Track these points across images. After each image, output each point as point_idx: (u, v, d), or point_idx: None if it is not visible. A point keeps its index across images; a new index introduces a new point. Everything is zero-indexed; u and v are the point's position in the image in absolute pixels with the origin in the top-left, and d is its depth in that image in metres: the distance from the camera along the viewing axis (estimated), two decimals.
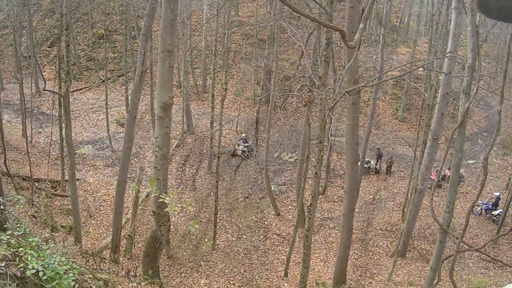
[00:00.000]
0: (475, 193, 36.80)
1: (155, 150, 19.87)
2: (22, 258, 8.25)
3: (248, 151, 43.76)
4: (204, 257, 32.21)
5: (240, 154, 43.96)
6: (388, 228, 35.52)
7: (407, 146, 44.26)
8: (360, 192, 37.14)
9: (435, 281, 19.05)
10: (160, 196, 9.97)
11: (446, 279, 24.56)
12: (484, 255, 29.64)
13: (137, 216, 32.58)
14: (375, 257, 32.38)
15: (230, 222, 36.54)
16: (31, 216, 30.76)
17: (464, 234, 16.68)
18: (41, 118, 51.23)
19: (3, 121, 38.60)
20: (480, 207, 37.19)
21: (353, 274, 29.89)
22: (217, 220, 33.31)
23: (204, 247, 33.29)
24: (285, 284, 29.10)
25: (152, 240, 21.36)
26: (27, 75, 54.76)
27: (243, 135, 44.75)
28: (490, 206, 36.82)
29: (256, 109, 46.68)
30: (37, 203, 34.81)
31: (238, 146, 44.11)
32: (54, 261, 8.55)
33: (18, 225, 10.38)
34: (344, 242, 27.07)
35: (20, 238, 9.11)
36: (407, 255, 32.04)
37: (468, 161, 45.44)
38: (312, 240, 28.07)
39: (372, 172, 42.83)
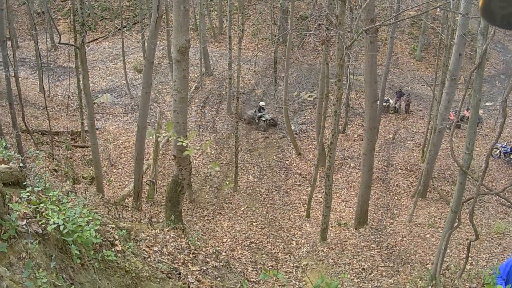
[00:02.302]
0: (493, 136, 36.56)
1: (174, 94, 19.67)
2: (43, 214, 8.13)
3: (270, 121, 41.03)
4: (226, 199, 32.34)
5: (263, 124, 40.75)
6: (408, 168, 35.33)
7: (425, 86, 43.84)
8: (379, 131, 36.91)
9: (456, 223, 18.93)
10: (177, 139, 9.87)
11: (466, 222, 24.48)
12: (503, 200, 29.37)
13: (158, 161, 32.60)
14: (396, 197, 32.26)
15: (251, 162, 36.60)
16: (52, 170, 30.87)
17: (484, 176, 16.44)
18: (58, 72, 51.62)
19: (20, 78, 38.54)
20: (499, 150, 36.61)
21: (374, 214, 29.75)
22: (238, 161, 33.37)
23: (226, 189, 33.37)
24: (307, 225, 29.06)
25: (174, 184, 21.30)
26: (41, 30, 55.20)
27: (262, 103, 41.92)
28: (509, 150, 36.24)
29: (273, 49, 46.32)
30: (57, 156, 34.93)
31: (257, 114, 40.90)
32: (75, 213, 8.46)
33: (39, 181, 10.31)
34: (365, 182, 27.02)
35: (40, 194, 9.02)
36: (427, 196, 31.78)
37: (486, 103, 44.72)
38: (333, 179, 28.05)
39: (392, 111, 42.46)
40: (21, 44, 57.32)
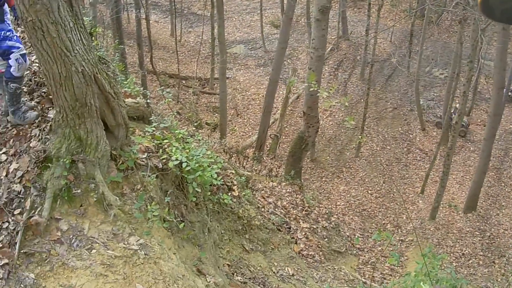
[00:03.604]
0: None
1: (311, 52, 19.35)
2: (166, 150, 7.99)
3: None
4: (347, 164, 31.83)
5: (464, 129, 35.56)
6: None
7: None
8: (501, 119, 35.66)
9: None
10: (318, 90, 9.52)
11: None
12: None
13: (285, 117, 32.25)
14: (507, 189, 30.77)
15: (376, 131, 35.65)
16: (176, 113, 31.09)
17: None
18: (192, 19, 51.48)
19: (151, 21, 38.78)
20: None
21: (483, 202, 28.53)
22: (364, 128, 32.64)
23: (348, 154, 32.88)
24: (420, 201, 28.28)
25: (299, 140, 21.14)
26: None
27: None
28: None
29: (411, 22, 44.80)
30: (182, 100, 35.00)
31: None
32: (200, 153, 8.29)
33: (164, 119, 10.12)
34: (481, 168, 26.05)
35: (165, 131, 8.79)
36: None
37: None
38: (452, 160, 27.23)
39: None
40: None
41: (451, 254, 22.89)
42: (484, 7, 2.32)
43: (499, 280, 20.41)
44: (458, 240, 24.29)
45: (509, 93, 36.04)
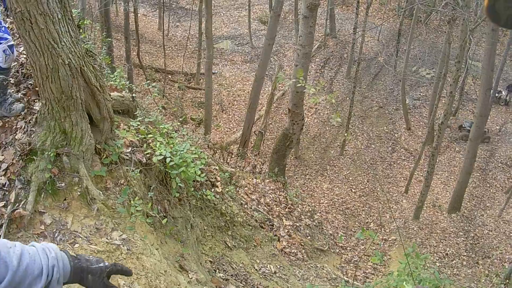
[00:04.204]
0: None
1: (297, 48, 19.45)
2: (150, 144, 8.00)
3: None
4: (331, 162, 31.93)
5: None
6: (509, 163, 33.84)
7: None
8: (487, 120, 35.87)
9: None
10: (305, 87, 9.59)
11: None
12: None
13: (270, 114, 32.31)
14: (491, 190, 31.13)
15: (361, 129, 35.86)
16: (161, 108, 31.15)
17: None
18: (180, 13, 51.63)
19: (139, 15, 38.72)
20: None
21: (468, 203, 28.87)
22: (349, 126, 32.82)
23: (332, 152, 33.02)
24: (404, 201, 28.50)
25: (283, 137, 21.17)
26: None
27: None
28: None
29: (399, 21, 44.87)
30: (168, 94, 34.97)
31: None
32: (184, 148, 8.29)
33: (150, 113, 10.16)
34: (466, 168, 26.32)
35: (149, 126, 8.83)
36: None
37: None
38: (437, 160, 27.40)
39: (502, 102, 40.98)
40: None
41: (435, 254, 23.01)
42: (490, 13, 2.26)
43: (482, 281, 20.53)
44: (441, 240, 24.42)
45: (496, 94, 36.34)
